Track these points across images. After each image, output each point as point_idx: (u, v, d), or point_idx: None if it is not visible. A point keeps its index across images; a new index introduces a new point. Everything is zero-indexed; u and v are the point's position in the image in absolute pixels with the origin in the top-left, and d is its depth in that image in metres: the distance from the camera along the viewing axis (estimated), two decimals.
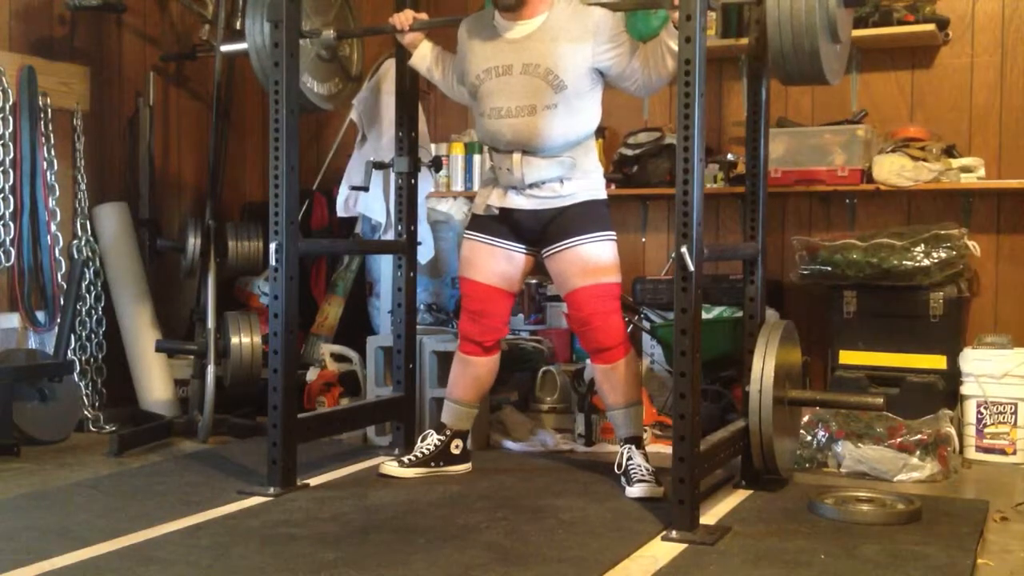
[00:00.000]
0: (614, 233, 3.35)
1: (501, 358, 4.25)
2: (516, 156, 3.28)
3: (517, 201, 3.34)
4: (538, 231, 3.37)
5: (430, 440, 3.52)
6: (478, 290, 3.45)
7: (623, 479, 3.26)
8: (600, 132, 4.65)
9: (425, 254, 4.58)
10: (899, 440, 3.54)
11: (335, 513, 3.01)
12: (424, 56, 3.58)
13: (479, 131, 3.43)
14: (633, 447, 3.30)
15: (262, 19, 3.50)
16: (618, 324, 3.33)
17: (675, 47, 3.03)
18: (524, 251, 3.44)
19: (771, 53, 2.87)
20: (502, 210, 3.38)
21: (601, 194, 3.38)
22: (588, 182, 3.34)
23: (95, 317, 4.56)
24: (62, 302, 4.33)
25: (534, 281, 4.59)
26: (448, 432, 3.53)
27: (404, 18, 3.51)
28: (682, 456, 2.76)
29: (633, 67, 3.23)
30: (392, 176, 4.04)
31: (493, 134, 3.33)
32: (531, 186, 3.31)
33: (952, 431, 3.68)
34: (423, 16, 3.58)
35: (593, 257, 3.29)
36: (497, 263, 3.43)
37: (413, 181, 3.87)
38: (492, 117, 3.30)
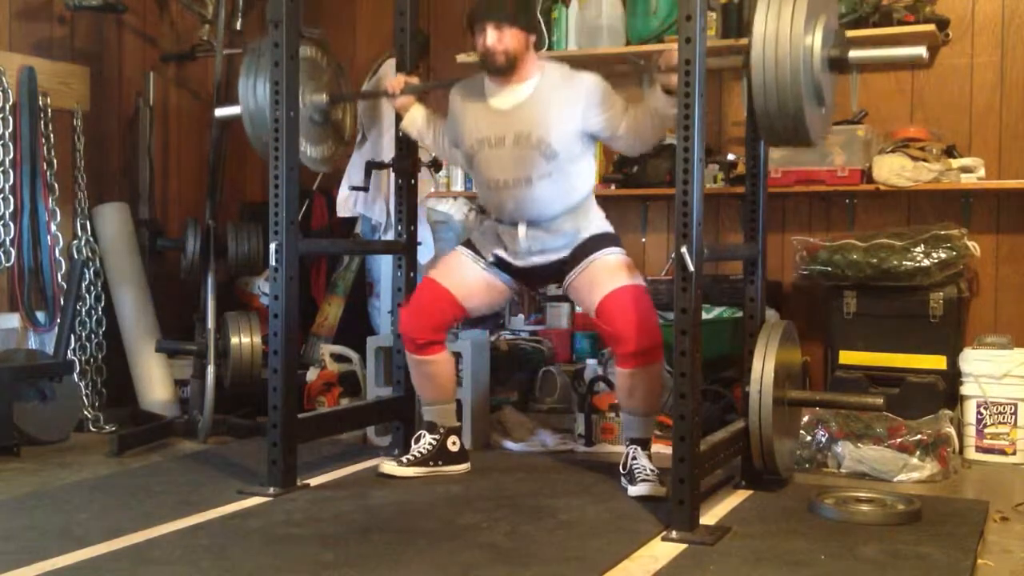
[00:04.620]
0: (625, 251, 3.38)
1: (502, 358, 4.27)
2: (521, 228, 3.34)
3: (524, 260, 3.40)
4: (543, 277, 3.46)
5: (425, 441, 3.52)
6: (436, 291, 3.43)
7: (625, 479, 3.26)
8: None
9: (425, 254, 4.58)
10: (899, 440, 3.54)
11: (335, 513, 3.01)
12: (415, 120, 3.62)
13: (481, 198, 3.48)
14: (639, 448, 3.29)
15: (255, 79, 3.48)
16: (654, 324, 3.21)
17: (663, 110, 3.11)
18: (508, 283, 3.48)
19: (757, 115, 2.86)
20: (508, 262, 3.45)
21: (607, 228, 3.41)
22: (592, 227, 3.37)
23: (95, 317, 4.56)
24: (62, 302, 4.33)
25: None
26: (441, 430, 3.53)
27: (396, 83, 3.57)
28: (682, 456, 2.76)
29: (624, 128, 3.26)
30: (392, 176, 4.04)
31: (496, 205, 3.39)
32: (537, 252, 3.38)
33: (952, 431, 3.68)
34: (414, 80, 3.64)
35: (612, 264, 3.29)
36: (475, 283, 3.45)
37: (413, 181, 3.87)
38: (492, 188, 3.36)
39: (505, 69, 3.26)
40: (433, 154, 4.00)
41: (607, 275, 3.26)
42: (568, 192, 3.31)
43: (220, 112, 3.92)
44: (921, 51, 2.86)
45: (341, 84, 3.82)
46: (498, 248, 3.44)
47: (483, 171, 3.37)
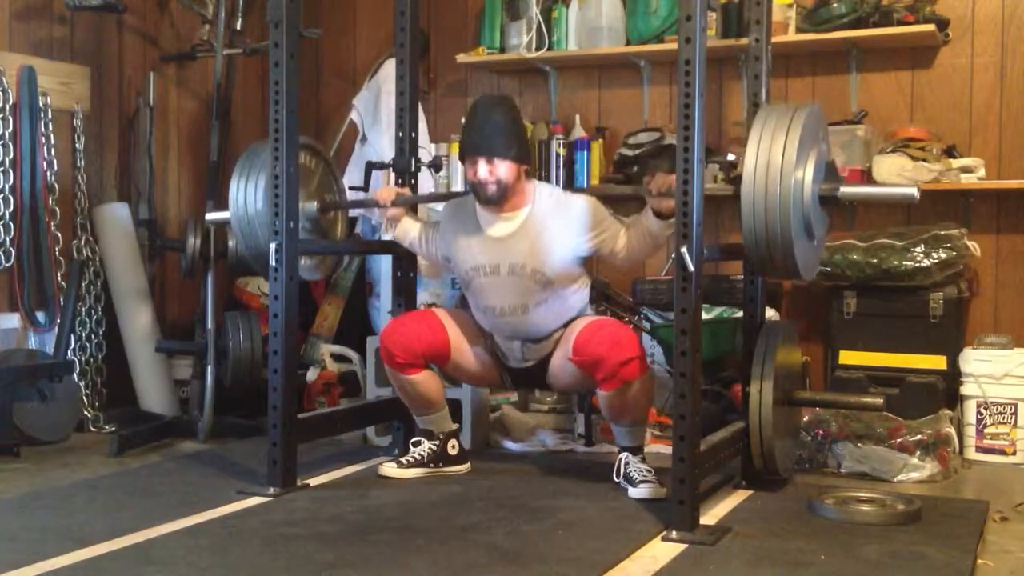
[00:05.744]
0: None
1: None
2: (516, 344, 3.39)
3: (519, 364, 3.44)
4: (534, 382, 3.54)
5: (424, 446, 3.52)
6: (431, 322, 3.44)
7: (623, 482, 3.26)
8: (600, 132, 4.68)
9: None
10: (899, 440, 3.54)
11: (335, 513, 3.01)
12: (408, 231, 3.63)
13: (477, 319, 3.47)
14: (630, 455, 3.29)
15: (247, 182, 3.47)
16: (631, 338, 3.20)
17: (657, 231, 3.14)
18: (498, 373, 3.51)
19: (746, 248, 2.88)
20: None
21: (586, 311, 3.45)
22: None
23: (95, 317, 4.56)
24: (62, 302, 4.33)
25: None
26: (441, 435, 3.53)
27: (387, 194, 3.56)
28: (682, 456, 2.76)
29: (619, 248, 3.27)
30: (392, 176, 4.04)
31: (493, 327, 3.42)
32: (532, 360, 3.42)
33: (952, 431, 3.69)
34: (406, 191, 3.66)
35: (580, 320, 3.33)
36: (471, 345, 3.46)
37: (413, 181, 3.87)
38: (488, 314, 3.39)
39: (497, 199, 3.27)
40: (432, 155, 4.00)
41: (576, 326, 3.30)
42: (564, 311, 3.35)
43: (210, 216, 3.86)
44: (913, 191, 2.88)
45: (333, 183, 3.79)
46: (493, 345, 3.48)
47: (479, 297, 3.39)
